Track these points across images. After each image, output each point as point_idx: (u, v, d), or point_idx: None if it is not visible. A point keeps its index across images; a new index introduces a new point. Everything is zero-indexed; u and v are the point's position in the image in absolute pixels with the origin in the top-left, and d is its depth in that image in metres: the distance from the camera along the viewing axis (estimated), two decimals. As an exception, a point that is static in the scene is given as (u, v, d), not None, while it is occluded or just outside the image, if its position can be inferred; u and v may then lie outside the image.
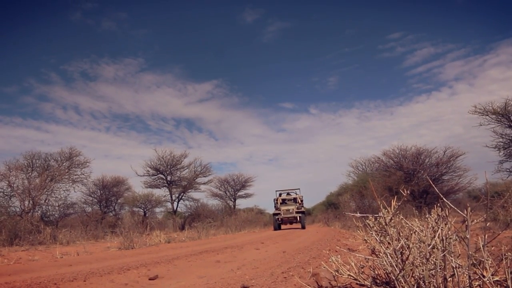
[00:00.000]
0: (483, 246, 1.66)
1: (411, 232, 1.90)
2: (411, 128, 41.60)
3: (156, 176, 22.25)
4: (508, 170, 13.22)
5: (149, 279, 3.34)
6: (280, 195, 22.39)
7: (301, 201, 21.04)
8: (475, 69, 35.45)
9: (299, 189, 22.39)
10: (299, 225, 19.69)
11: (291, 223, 19.97)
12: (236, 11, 39.57)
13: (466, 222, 1.70)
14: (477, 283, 1.70)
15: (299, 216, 19.05)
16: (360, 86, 43.57)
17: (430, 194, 15.24)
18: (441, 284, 1.67)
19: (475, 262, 1.66)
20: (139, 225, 13.55)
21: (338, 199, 21.11)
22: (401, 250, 1.81)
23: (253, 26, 39.65)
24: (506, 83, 32.45)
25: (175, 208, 22.35)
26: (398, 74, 39.56)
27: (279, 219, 19.28)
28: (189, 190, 22.74)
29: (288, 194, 22.21)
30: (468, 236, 1.67)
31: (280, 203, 20.93)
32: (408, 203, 13.63)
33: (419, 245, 1.77)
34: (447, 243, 1.69)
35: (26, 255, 6.54)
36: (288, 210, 19.28)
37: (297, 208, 19.46)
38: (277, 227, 19.48)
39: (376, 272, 2.09)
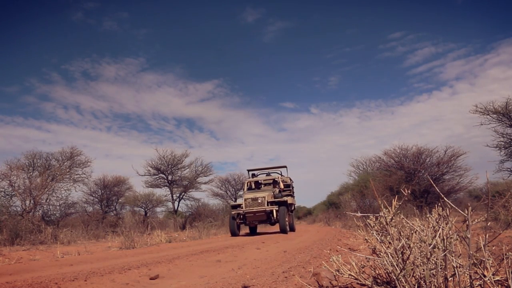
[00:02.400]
0: (484, 245, 1.66)
1: (412, 231, 1.90)
2: (412, 128, 41.63)
3: (157, 176, 22.29)
4: (509, 169, 13.22)
5: (150, 279, 3.34)
6: (253, 176, 14.37)
7: (288, 185, 13.59)
8: (476, 68, 35.44)
9: (285, 167, 14.19)
10: (280, 228, 11.38)
11: (265, 222, 11.86)
12: (237, 10, 39.60)
13: (467, 221, 1.69)
14: (478, 282, 1.70)
15: (276, 210, 11.09)
16: (361, 86, 43.65)
17: (431, 194, 15.23)
18: (442, 284, 1.67)
19: (476, 262, 1.66)
20: (140, 225, 13.59)
21: (339, 199, 21.00)
22: (402, 249, 1.81)
23: (254, 25, 39.70)
24: (507, 83, 32.44)
25: (176, 208, 22.38)
26: (399, 74, 39.62)
27: (240, 216, 11.35)
28: (190, 190, 22.77)
29: (268, 174, 14.46)
30: (469, 236, 1.66)
31: (249, 189, 13.25)
32: (409, 203, 13.63)
33: (420, 245, 1.77)
34: (448, 243, 1.69)
35: (27, 254, 6.55)
36: (255, 199, 11.32)
37: (274, 197, 11.64)
38: (236, 231, 11.50)
39: (377, 272, 2.09)
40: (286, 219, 11.39)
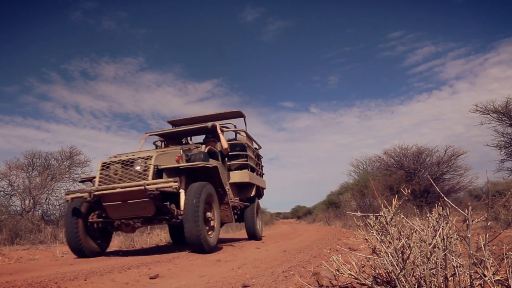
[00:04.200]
0: (484, 245, 1.66)
1: (412, 231, 1.90)
2: (412, 127, 41.68)
3: (156, 175, 22.20)
4: (509, 169, 13.20)
5: (150, 278, 3.33)
6: (174, 126, 7.52)
7: (242, 148, 6.93)
8: (476, 67, 35.51)
9: (241, 116, 7.27)
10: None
11: (154, 220, 4.60)
12: (237, 10, 39.61)
13: (467, 221, 1.69)
14: (478, 282, 1.69)
15: (180, 189, 4.31)
16: (361, 85, 43.75)
17: (431, 193, 15.23)
18: (442, 284, 1.66)
19: (476, 262, 1.66)
20: (139, 224, 13.57)
21: (339, 198, 20.98)
22: (402, 249, 1.81)
23: (253, 25, 39.72)
24: (507, 82, 32.50)
25: (175, 207, 22.30)
26: (399, 73, 39.70)
27: (93, 205, 4.63)
28: (190, 189, 22.63)
29: (222, 126, 6.71)
30: (469, 236, 1.66)
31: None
32: (409, 202, 13.63)
33: (420, 244, 1.77)
34: (448, 243, 1.69)
35: (27, 254, 6.55)
36: (128, 163, 4.41)
37: (188, 159, 4.82)
38: (79, 241, 4.58)
39: (377, 271, 2.09)
40: (209, 215, 4.89)
